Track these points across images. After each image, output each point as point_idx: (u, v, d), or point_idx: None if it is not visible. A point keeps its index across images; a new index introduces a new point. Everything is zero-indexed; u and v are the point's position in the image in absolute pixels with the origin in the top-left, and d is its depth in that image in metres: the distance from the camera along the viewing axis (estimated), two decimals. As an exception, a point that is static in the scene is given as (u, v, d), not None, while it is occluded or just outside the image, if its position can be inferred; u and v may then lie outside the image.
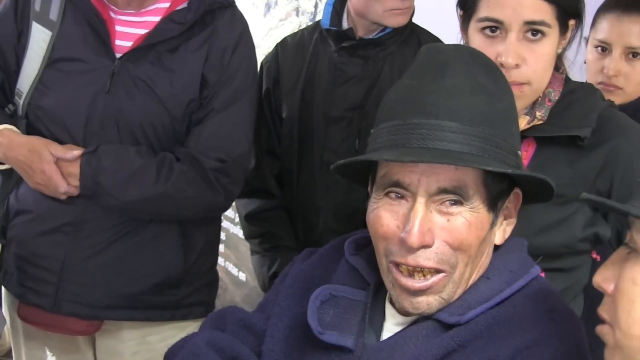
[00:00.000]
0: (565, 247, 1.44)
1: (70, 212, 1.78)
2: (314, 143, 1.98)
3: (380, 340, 1.13)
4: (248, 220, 2.11)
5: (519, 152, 1.11)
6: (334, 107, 1.96)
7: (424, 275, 1.07)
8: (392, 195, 1.08)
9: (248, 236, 2.14)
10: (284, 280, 1.29)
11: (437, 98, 1.05)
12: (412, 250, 1.05)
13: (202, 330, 1.30)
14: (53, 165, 1.72)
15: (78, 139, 1.77)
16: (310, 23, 2.56)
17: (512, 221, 1.15)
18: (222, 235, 3.37)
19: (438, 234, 1.05)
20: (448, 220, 1.06)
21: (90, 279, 1.80)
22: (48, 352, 2.00)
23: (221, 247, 3.40)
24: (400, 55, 1.94)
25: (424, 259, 1.06)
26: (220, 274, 3.11)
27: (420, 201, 1.05)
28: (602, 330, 0.92)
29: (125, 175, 1.72)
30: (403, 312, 1.13)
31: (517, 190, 1.13)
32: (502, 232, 1.13)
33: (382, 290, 1.16)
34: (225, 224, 3.34)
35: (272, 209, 2.07)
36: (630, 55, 1.99)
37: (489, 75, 1.10)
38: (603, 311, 0.92)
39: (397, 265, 1.08)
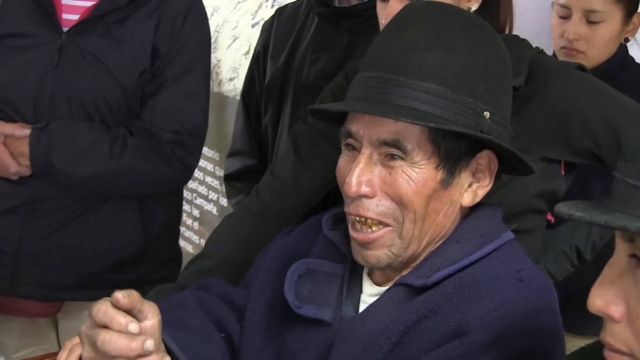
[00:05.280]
0: (520, 204, 1.40)
1: (24, 193, 1.75)
2: (288, 110, 1.97)
3: (358, 312, 1.12)
4: (227, 181, 2.13)
5: (488, 112, 1.06)
6: (308, 76, 1.94)
7: (370, 228, 1.07)
8: (349, 146, 1.09)
9: (229, 196, 2.16)
10: (264, 257, 1.28)
11: (389, 53, 1.06)
12: (354, 200, 1.06)
13: (190, 290, 1.29)
14: (1, 146, 1.68)
15: (28, 117, 1.72)
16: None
17: (486, 184, 1.11)
18: (197, 213, 3.34)
19: (380, 187, 1.05)
20: (390, 174, 1.05)
21: (47, 260, 1.77)
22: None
23: (195, 225, 3.37)
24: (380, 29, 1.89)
25: (364, 208, 1.06)
26: (196, 251, 3.06)
27: (365, 152, 1.05)
28: None
29: (77, 152, 1.68)
30: (378, 283, 1.12)
31: (489, 153, 1.09)
32: (472, 194, 1.11)
33: (359, 264, 1.15)
34: (199, 201, 3.31)
35: (251, 172, 2.06)
36: (590, 19, 1.97)
37: (462, 32, 1.07)
38: (613, 340, 0.75)
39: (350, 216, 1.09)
